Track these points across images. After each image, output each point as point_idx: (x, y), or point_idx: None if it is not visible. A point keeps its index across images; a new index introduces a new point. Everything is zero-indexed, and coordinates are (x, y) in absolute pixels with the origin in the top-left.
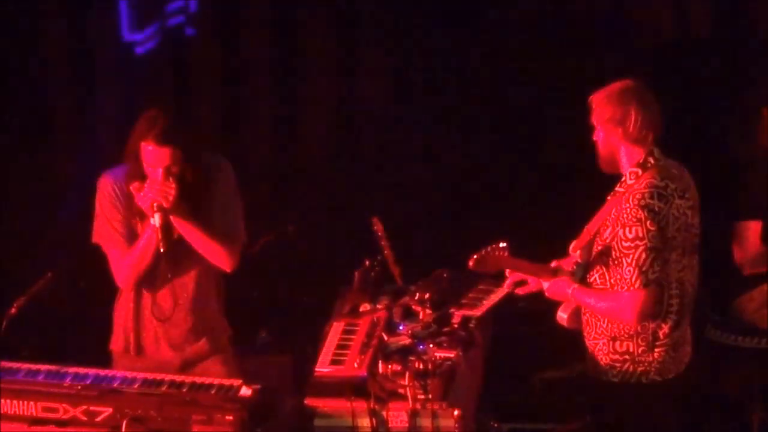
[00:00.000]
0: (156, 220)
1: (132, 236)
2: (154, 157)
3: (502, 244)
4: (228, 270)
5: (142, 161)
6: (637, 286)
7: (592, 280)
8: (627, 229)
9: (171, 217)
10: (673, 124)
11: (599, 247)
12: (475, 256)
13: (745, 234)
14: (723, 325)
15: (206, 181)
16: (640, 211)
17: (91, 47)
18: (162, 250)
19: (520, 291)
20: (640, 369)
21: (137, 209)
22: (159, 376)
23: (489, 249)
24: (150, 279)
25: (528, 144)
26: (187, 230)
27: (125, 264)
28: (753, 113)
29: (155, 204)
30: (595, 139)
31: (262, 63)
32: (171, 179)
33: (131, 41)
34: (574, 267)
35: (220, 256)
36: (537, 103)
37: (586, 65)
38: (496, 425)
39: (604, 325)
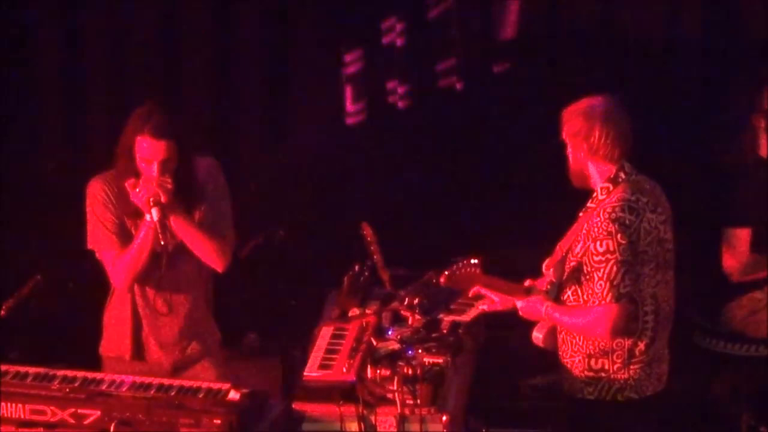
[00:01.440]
0: (154, 214)
1: (126, 237)
2: (151, 151)
3: (473, 260)
4: (220, 270)
5: (135, 157)
6: (608, 300)
7: (565, 297)
8: (598, 243)
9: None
10: (662, 131)
11: (572, 263)
12: (446, 272)
13: (734, 241)
14: (711, 331)
15: (198, 179)
16: (610, 225)
17: (81, 44)
18: (162, 242)
19: (486, 306)
20: (615, 386)
21: (132, 208)
22: (147, 380)
23: (461, 264)
24: (143, 282)
25: (519, 150)
26: (181, 227)
27: (122, 264)
28: (742, 121)
29: (152, 199)
30: (567, 153)
31: (252, 65)
32: (166, 174)
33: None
34: (548, 286)
35: (212, 255)
36: (526, 110)
37: (573, 72)
38: (484, 431)
39: (580, 343)
